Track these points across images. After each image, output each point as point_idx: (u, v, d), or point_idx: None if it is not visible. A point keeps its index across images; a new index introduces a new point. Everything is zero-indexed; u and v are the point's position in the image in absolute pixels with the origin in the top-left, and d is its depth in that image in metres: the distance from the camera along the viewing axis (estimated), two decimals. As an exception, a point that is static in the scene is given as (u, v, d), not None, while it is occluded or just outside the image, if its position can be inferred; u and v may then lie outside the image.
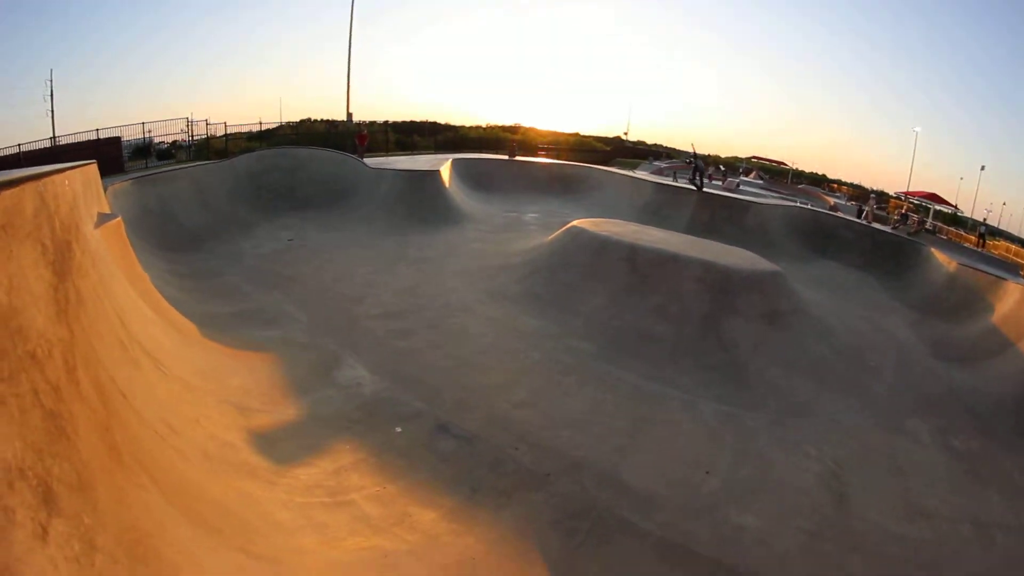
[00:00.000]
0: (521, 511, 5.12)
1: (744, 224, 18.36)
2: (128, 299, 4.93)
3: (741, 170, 45.21)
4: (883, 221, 22.25)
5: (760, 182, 40.52)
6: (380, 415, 6.54)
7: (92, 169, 5.14)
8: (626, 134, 52.84)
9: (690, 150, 22.12)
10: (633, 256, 10.53)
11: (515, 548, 4.54)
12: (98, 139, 17.23)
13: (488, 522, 4.88)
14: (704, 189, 20.67)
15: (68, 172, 3.51)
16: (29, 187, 2.54)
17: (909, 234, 19.10)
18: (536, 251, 12.64)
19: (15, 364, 1.80)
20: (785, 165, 49.60)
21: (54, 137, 21.29)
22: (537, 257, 12.21)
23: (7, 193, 2.23)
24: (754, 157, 50.13)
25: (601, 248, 11.11)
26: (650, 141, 57.45)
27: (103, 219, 4.92)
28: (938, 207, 28.59)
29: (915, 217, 22.02)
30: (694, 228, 16.99)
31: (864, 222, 20.19)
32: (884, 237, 18.21)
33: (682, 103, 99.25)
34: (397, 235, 15.12)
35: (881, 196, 34.28)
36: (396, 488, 5.21)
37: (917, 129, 45.62)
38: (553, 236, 12.93)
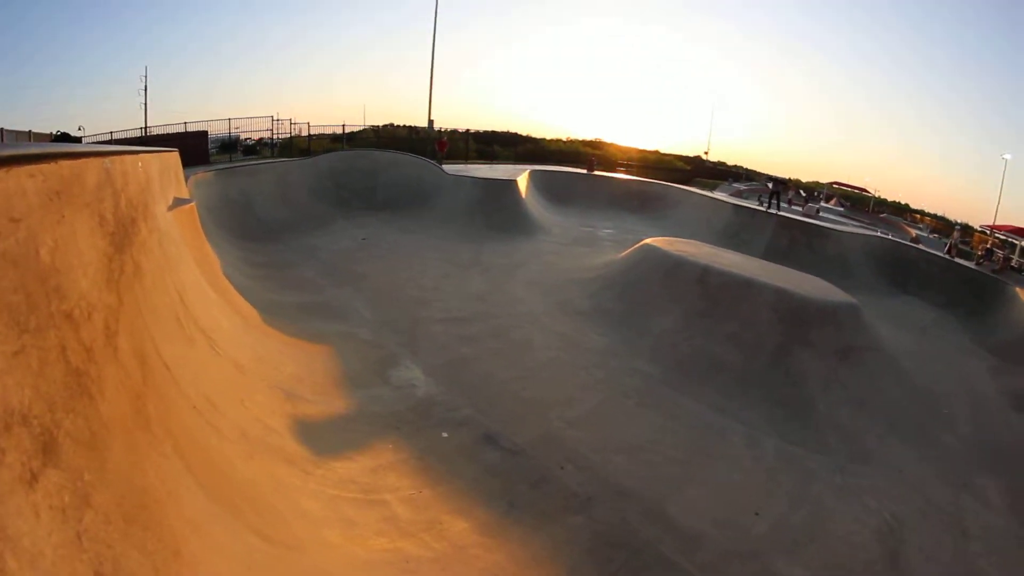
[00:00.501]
0: (558, 533, 4.84)
1: (823, 252, 17.41)
2: (193, 280, 5.17)
3: (822, 196, 42.54)
4: (967, 256, 20.14)
5: (840, 209, 38.19)
6: (429, 418, 6.49)
7: (173, 156, 5.47)
8: (706, 153, 50.99)
9: (769, 174, 21.19)
10: (705, 278, 10.05)
11: (545, 571, 4.26)
12: (185, 132, 18.33)
13: (521, 540, 4.64)
14: (780, 214, 19.69)
15: (143, 155, 3.70)
16: (93, 162, 2.65)
17: (994, 271, 17.18)
18: (608, 267, 12.42)
19: (44, 320, 1.82)
20: (867, 192, 46.11)
21: (145, 127, 22.96)
22: (609, 273, 12.00)
23: (66, 164, 2.31)
24: (835, 183, 46.82)
25: (674, 268, 10.70)
26: (731, 162, 55.24)
27: (178, 203, 5.21)
28: (1026, 242, 25.57)
29: (1000, 253, 19.60)
30: (771, 253, 16.13)
31: (947, 256, 18.34)
32: (967, 274, 16.66)
33: (761, 123, 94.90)
34: (471, 242, 15.28)
35: (965, 229, 31.03)
36: (432, 493, 5.09)
37: (1007, 156, 40.43)
38: (626, 253, 12.66)
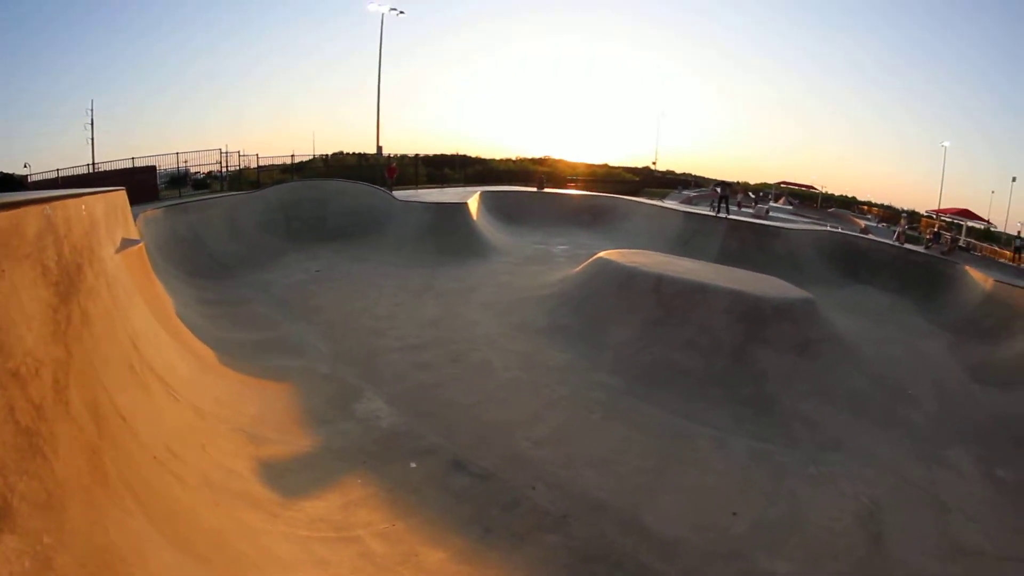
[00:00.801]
0: (535, 553, 4.85)
1: (774, 251, 18.00)
2: (145, 323, 4.97)
3: (771, 196, 44.52)
4: (915, 241, 21.51)
5: (790, 207, 39.88)
6: (396, 449, 6.40)
7: (119, 195, 5.29)
8: (654, 164, 52.72)
9: (717, 179, 22.11)
10: (660, 287, 10.32)
11: (526, 594, 4.25)
12: (133, 167, 17.81)
13: (499, 564, 4.62)
14: (730, 217, 20.46)
15: (86, 197, 3.58)
16: (32, 210, 2.56)
17: (943, 253, 18.40)
18: (563, 283, 12.52)
19: None
20: (814, 189, 48.52)
21: (93, 164, 22.16)
22: (564, 289, 12.09)
23: (3, 215, 2.24)
24: (783, 182, 49.03)
25: (628, 279, 10.93)
26: (679, 170, 57.31)
27: (126, 244, 5.02)
28: (971, 223, 27.61)
29: (947, 235, 21.07)
30: (724, 257, 16.69)
31: (896, 243, 19.52)
32: (917, 258, 17.58)
33: (707, 130, 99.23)
34: (424, 267, 15.20)
35: (912, 215, 33.13)
36: (405, 525, 5.01)
37: (946, 143, 43.82)
38: (580, 267, 12.82)
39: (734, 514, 5.69)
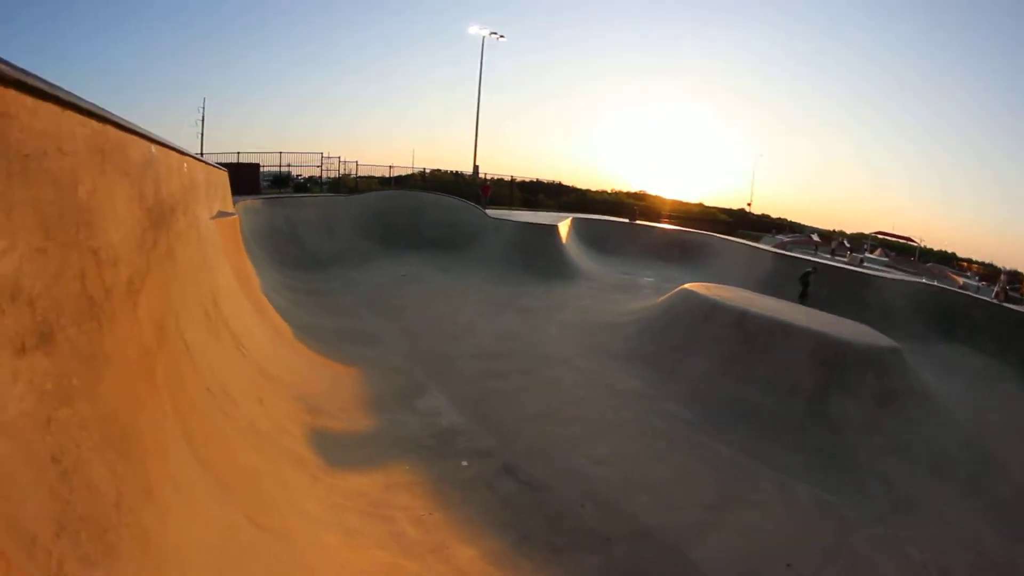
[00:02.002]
0: (570, 569, 4.52)
1: (865, 300, 16.63)
2: (227, 284, 5.35)
3: (866, 247, 40.88)
4: (1017, 302, 18.74)
5: (885, 259, 36.32)
6: (450, 446, 6.39)
7: (222, 174, 5.81)
8: (749, 205, 49.96)
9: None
10: (743, 322, 9.71)
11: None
12: (238, 162, 18.82)
13: (531, 573, 4.35)
14: (817, 271, 17.26)
15: (188, 158, 3.94)
16: (140, 141, 2.83)
17: None
18: (645, 311, 12.27)
19: (71, 239, 1.79)
20: (912, 241, 43.70)
21: (201, 154, 24.32)
22: (645, 317, 11.85)
23: (112, 131, 2.45)
24: (879, 232, 44.66)
25: (711, 312, 10.42)
26: (774, 214, 54.11)
27: (221, 215, 5.47)
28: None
29: None
30: (813, 301, 15.50)
31: (996, 301, 17.07)
32: (1018, 317, 15.50)
33: (810, 173, 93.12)
34: (509, 283, 15.41)
35: (1015, 275, 28.94)
36: (443, 517, 4.90)
37: None
38: (664, 298, 12.47)
39: (788, 565, 5.05)
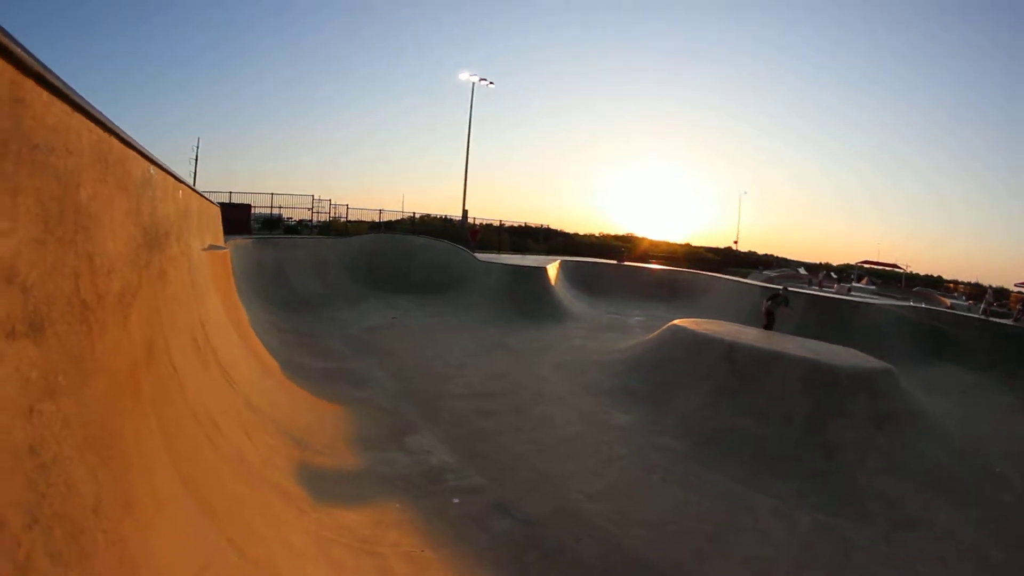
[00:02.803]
0: (568, 605, 4.34)
1: (854, 326, 17.05)
2: (216, 316, 5.28)
3: (853, 276, 41.74)
4: (1004, 317, 19.32)
5: (872, 288, 36.95)
6: (441, 484, 6.26)
7: (214, 208, 5.85)
8: (736, 243, 51.13)
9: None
10: (732, 354, 9.77)
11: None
12: (230, 203, 18.97)
13: (526, 609, 4.16)
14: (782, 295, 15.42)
15: (184, 187, 3.98)
16: (141, 160, 2.86)
17: None
18: (635, 349, 12.34)
19: (69, 237, 1.75)
20: (899, 268, 44.74)
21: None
22: (635, 354, 11.91)
23: (119, 146, 2.48)
24: (865, 262, 45.75)
25: (701, 346, 10.50)
26: (760, 250, 55.36)
27: (213, 247, 5.48)
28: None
29: None
30: (803, 331, 15.61)
31: (982, 317, 17.68)
32: (1006, 331, 16.05)
33: (795, 208, 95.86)
34: (499, 325, 15.43)
35: (999, 292, 29.73)
36: (434, 555, 4.72)
37: None
38: (653, 335, 12.57)
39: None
